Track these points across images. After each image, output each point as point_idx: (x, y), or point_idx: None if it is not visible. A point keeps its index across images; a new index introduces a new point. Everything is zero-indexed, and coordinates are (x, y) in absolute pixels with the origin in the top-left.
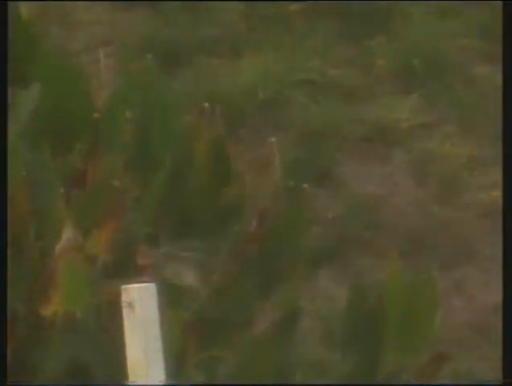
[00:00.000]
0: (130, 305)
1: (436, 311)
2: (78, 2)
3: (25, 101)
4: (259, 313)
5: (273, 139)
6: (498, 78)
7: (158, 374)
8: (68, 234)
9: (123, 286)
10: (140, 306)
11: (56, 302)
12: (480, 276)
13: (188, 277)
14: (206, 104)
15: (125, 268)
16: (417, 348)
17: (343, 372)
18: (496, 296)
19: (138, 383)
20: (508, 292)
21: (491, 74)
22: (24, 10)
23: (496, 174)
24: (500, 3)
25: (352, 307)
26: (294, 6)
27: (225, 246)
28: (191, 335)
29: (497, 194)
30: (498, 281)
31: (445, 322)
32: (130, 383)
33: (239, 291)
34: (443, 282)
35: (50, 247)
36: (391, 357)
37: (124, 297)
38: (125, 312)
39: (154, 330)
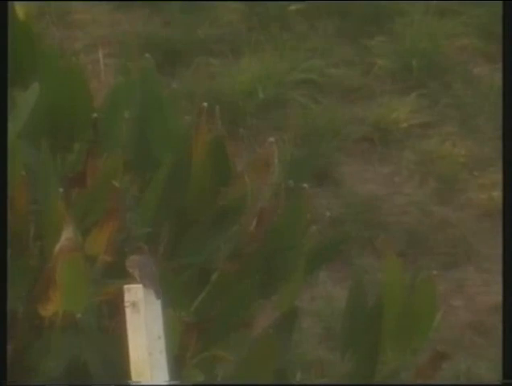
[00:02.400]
0: (134, 304)
1: (436, 311)
2: (78, 2)
3: (25, 101)
4: (259, 313)
5: (273, 139)
6: (498, 78)
7: (162, 374)
8: (67, 234)
9: (126, 286)
10: (144, 306)
11: (56, 302)
12: (480, 276)
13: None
14: (205, 104)
15: (125, 268)
16: (417, 348)
17: (343, 372)
18: (496, 296)
19: (141, 383)
20: (508, 292)
21: (491, 74)
22: (23, 9)
23: (496, 174)
24: (500, 3)
25: (352, 307)
26: (294, 6)
27: (224, 246)
28: (191, 335)
29: (497, 194)
30: (498, 281)
31: (445, 322)
32: (132, 383)
33: (239, 291)
34: (443, 282)
35: (50, 247)
36: (391, 357)
37: (127, 297)
38: (128, 312)
39: (158, 330)
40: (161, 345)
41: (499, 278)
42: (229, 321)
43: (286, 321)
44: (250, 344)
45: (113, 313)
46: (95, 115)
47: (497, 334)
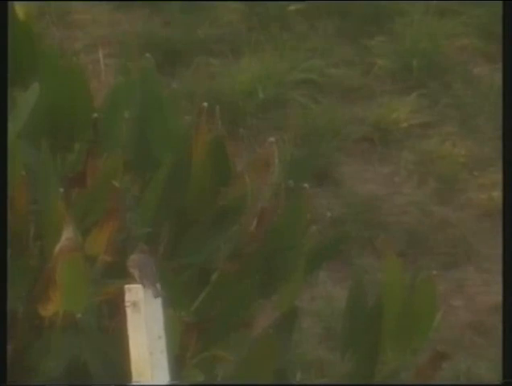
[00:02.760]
0: (135, 304)
1: (436, 311)
2: (78, 2)
3: (25, 101)
4: (259, 313)
5: (273, 139)
6: (498, 78)
7: (163, 374)
8: (67, 234)
9: (127, 286)
10: (145, 306)
11: (56, 302)
12: (480, 276)
13: None
14: (205, 104)
15: (125, 268)
16: (417, 348)
17: (343, 372)
18: (496, 296)
19: (142, 382)
20: (508, 292)
21: (491, 74)
22: (23, 9)
23: (496, 174)
24: (500, 3)
25: (352, 307)
26: (294, 6)
27: (225, 246)
28: (191, 335)
29: (497, 194)
30: (498, 281)
31: (445, 322)
32: (131, 383)
33: (239, 291)
34: (443, 282)
35: (50, 247)
36: (391, 357)
37: (128, 297)
38: (129, 311)
39: (158, 330)
40: (162, 345)
41: (499, 278)
42: (229, 321)
43: (286, 321)
44: (250, 344)
45: (113, 313)
46: (95, 115)
47: (497, 334)
